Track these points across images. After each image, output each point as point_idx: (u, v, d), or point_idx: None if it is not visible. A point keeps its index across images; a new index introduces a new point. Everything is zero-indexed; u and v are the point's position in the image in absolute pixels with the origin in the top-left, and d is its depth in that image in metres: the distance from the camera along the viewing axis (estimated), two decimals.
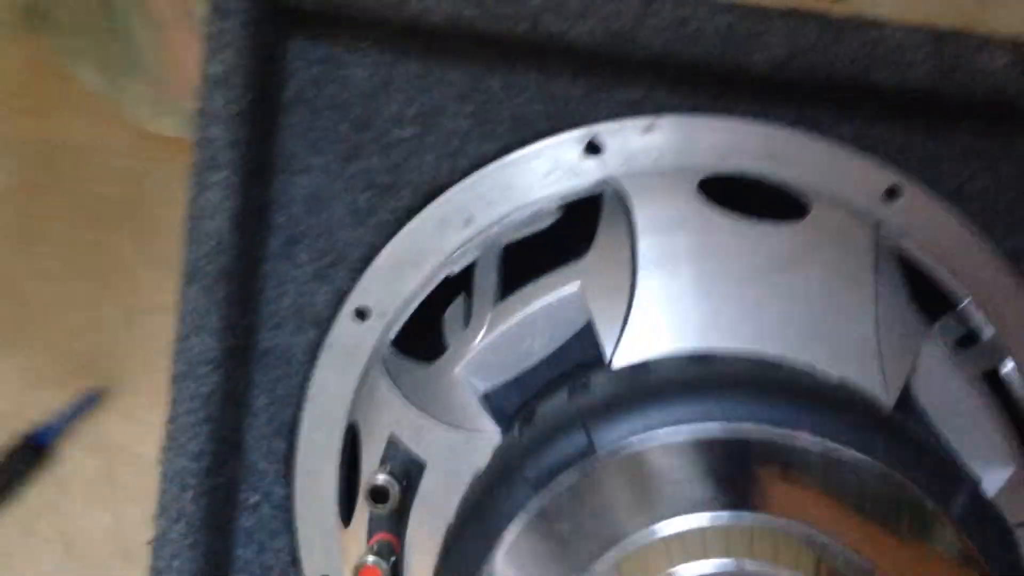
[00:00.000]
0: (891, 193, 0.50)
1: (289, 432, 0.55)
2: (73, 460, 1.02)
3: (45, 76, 1.09)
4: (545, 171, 0.51)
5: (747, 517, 0.37)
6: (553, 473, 0.38)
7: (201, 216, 0.51)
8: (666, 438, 0.37)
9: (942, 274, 0.49)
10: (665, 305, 0.44)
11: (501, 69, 0.52)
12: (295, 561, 0.55)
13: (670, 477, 0.37)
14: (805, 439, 0.37)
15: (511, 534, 0.38)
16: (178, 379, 0.53)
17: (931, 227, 0.50)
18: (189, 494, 0.53)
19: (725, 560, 0.37)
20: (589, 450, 0.37)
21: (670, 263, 0.45)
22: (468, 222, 0.52)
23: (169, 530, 0.53)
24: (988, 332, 0.49)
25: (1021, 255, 0.51)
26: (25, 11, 1.04)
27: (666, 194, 0.48)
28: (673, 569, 0.37)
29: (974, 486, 0.39)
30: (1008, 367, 0.49)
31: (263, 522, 0.55)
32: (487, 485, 0.40)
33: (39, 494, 1.04)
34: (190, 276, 0.52)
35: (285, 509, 0.55)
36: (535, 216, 0.51)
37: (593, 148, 0.51)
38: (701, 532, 0.37)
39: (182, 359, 0.53)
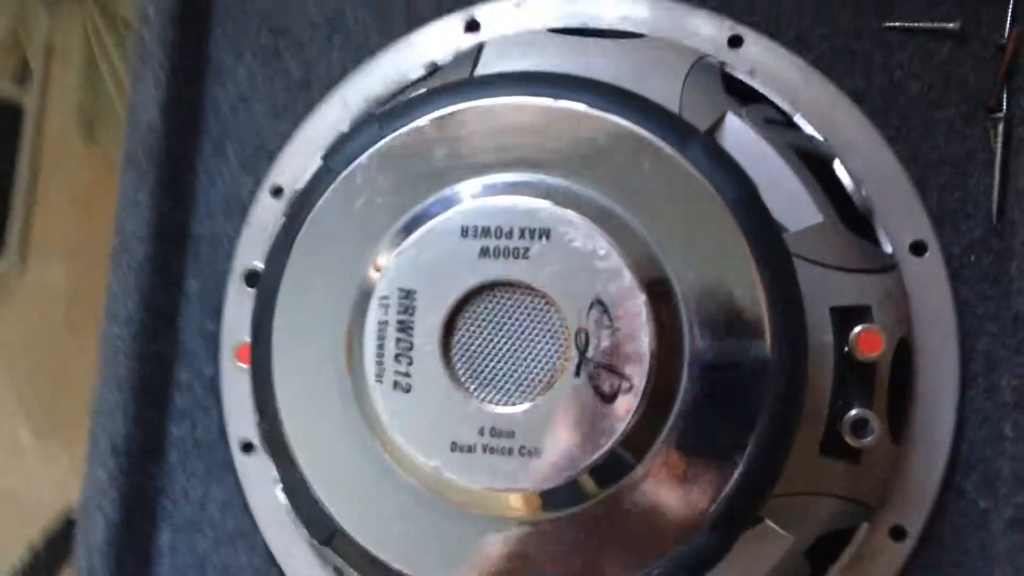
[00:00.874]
0: (734, 41, 0.55)
1: (218, 313, 0.60)
2: None
3: (103, 186, 1.20)
4: (431, 49, 0.58)
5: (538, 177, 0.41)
6: (350, 160, 0.42)
7: (135, 107, 0.59)
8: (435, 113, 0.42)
9: (784, 104, 0.53)
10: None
11: None
12: (224, 434, 0.59)
13: (460, 146, 0.42)
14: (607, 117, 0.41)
15: (314, 212, 0.42)
16: (114, 254, 0.59)
17: (774, 68, 0.54)
18: (121, 358, 0.58)
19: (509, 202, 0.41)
20: (378, 135, 0.42)
21: (507, 58, 0.50)
22: (366, 100, 0.58)
23: (105, 394, 0.58)
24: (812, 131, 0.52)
25: (861, 95, 0.54)
26: (82, 121, 1.15)
27: (519, 32, 0.54)
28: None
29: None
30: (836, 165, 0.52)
31: (195, 400, 0.59)
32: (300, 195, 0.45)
33: None
34: (125, 162, 0.59)
35: (215, 387, 0.60)
36: None
37: (472, 26, 0.57)
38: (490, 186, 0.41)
39: (118, 235, 0.59)
